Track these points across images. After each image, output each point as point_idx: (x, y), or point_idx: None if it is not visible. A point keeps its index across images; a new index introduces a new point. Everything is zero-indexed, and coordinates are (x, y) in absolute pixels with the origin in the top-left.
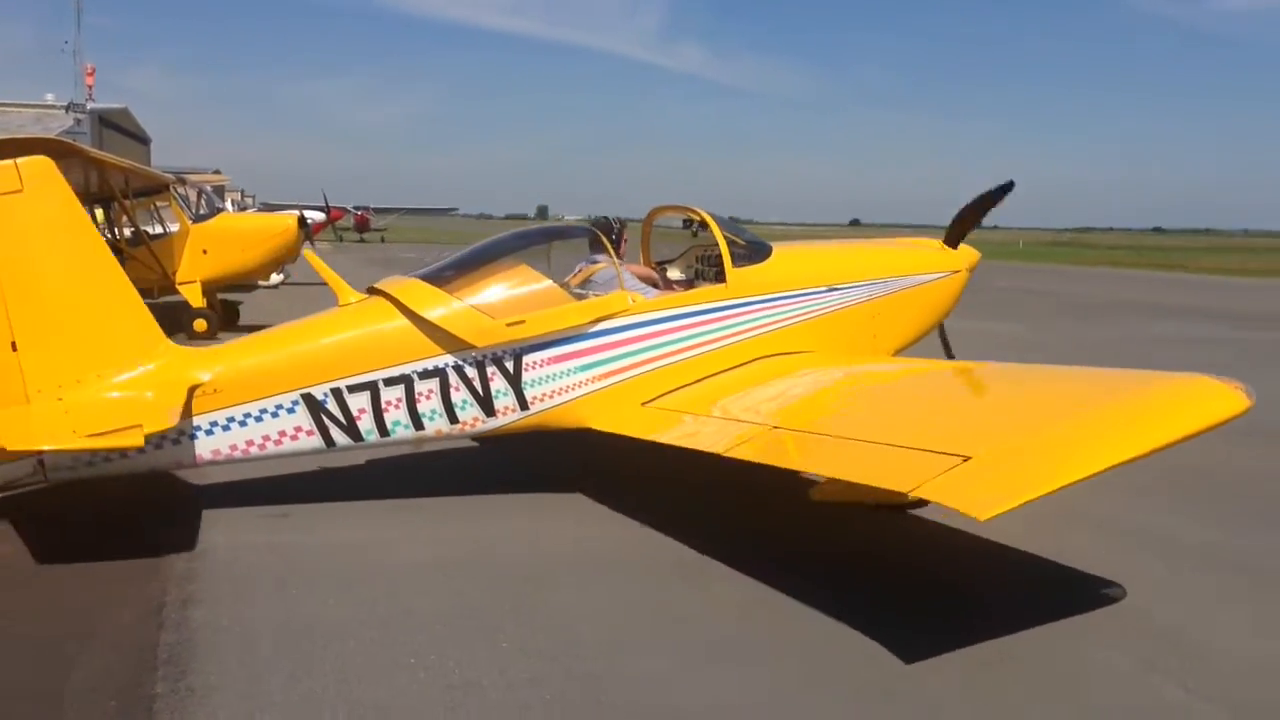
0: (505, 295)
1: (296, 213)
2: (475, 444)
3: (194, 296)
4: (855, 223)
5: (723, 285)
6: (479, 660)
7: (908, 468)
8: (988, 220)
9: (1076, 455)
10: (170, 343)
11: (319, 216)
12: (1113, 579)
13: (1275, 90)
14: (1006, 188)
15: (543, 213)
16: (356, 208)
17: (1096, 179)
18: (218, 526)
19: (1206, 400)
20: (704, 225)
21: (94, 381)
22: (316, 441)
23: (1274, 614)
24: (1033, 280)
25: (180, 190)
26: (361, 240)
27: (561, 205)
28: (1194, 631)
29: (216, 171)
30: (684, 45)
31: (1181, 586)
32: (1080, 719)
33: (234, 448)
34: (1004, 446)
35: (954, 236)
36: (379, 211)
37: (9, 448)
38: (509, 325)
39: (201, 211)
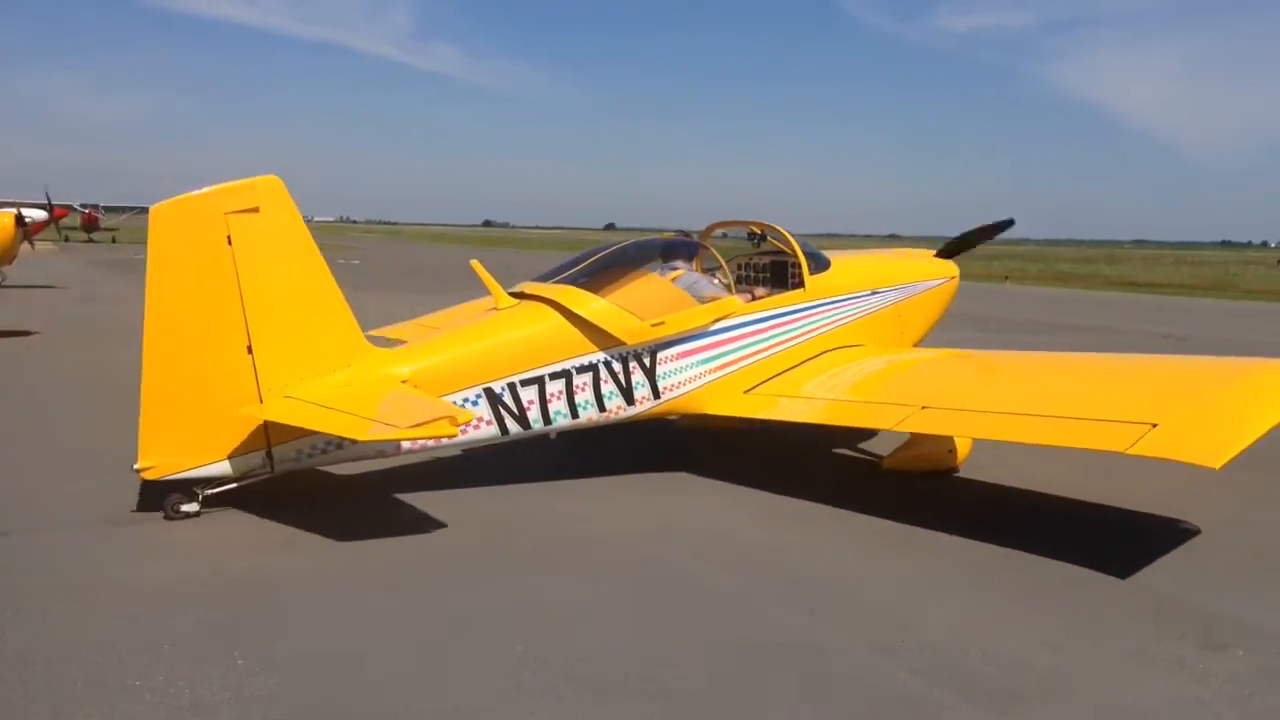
0: (647, 299)
1: (13, 211)
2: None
3: None
4: (610, 226)
5: (802, 290)
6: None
7: (1111, 435)
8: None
9: (1246, 419)
10: (368, 343)
11: (40, 215)
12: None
13: (989, 108)
14: (1006, 224)
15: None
16: (83, 205)
17: (836, 185)
18: None
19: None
20: (762, 237)
21: (313, 380)
22: (494, 430)
23: None
24: None
25: None
26: (90, 240)
27: (311, 208)
28: None
29: None
30: (437, 45)
31: None
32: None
33: (414, 441)
34: (1178, 417)
35: (949, 253)
36: (110, 210)
37: (360, 439)
38: (652, 325)
39: None
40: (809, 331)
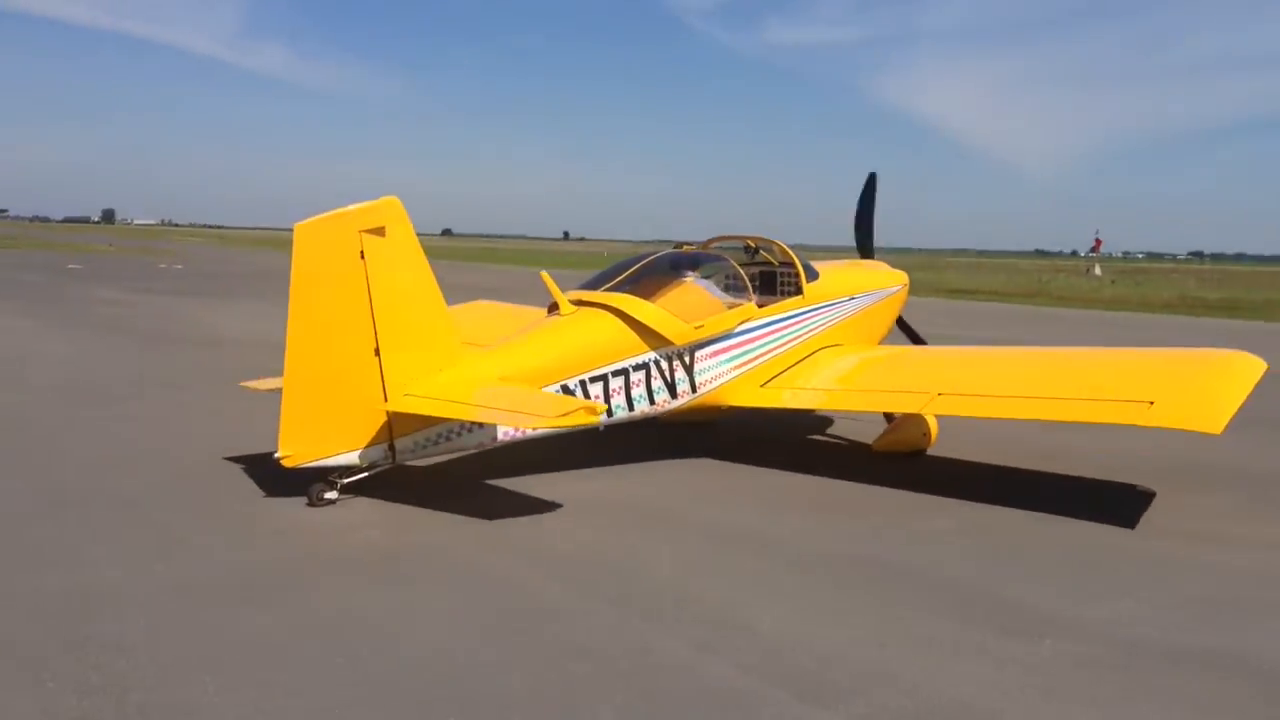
0: (690, 304)
1: None
2: None
3: None
4: (448, 233)
5: (801, 297)
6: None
7: (1120, 411)
8: (608, 233)
9: (1218, 396)
10: (462, 346)
11: None
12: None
13: (818, 119)
14: (870, 179)
15: (109, 216)
16: None
17: (673, 195)
18: None
19: (1251, 363)
20: (756, 250)
21: (427, 379)
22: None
23: None
24: None
25: None
26: None
27: (130, 208)
28: None
29: None
30: (265, 45)
31: None
32: None
33: (508, 431)
34: (1169, 394)
35: (864, 248)
36: None
37: (528, 429)
38: (695, 328)
39: None
40: (807, 332)
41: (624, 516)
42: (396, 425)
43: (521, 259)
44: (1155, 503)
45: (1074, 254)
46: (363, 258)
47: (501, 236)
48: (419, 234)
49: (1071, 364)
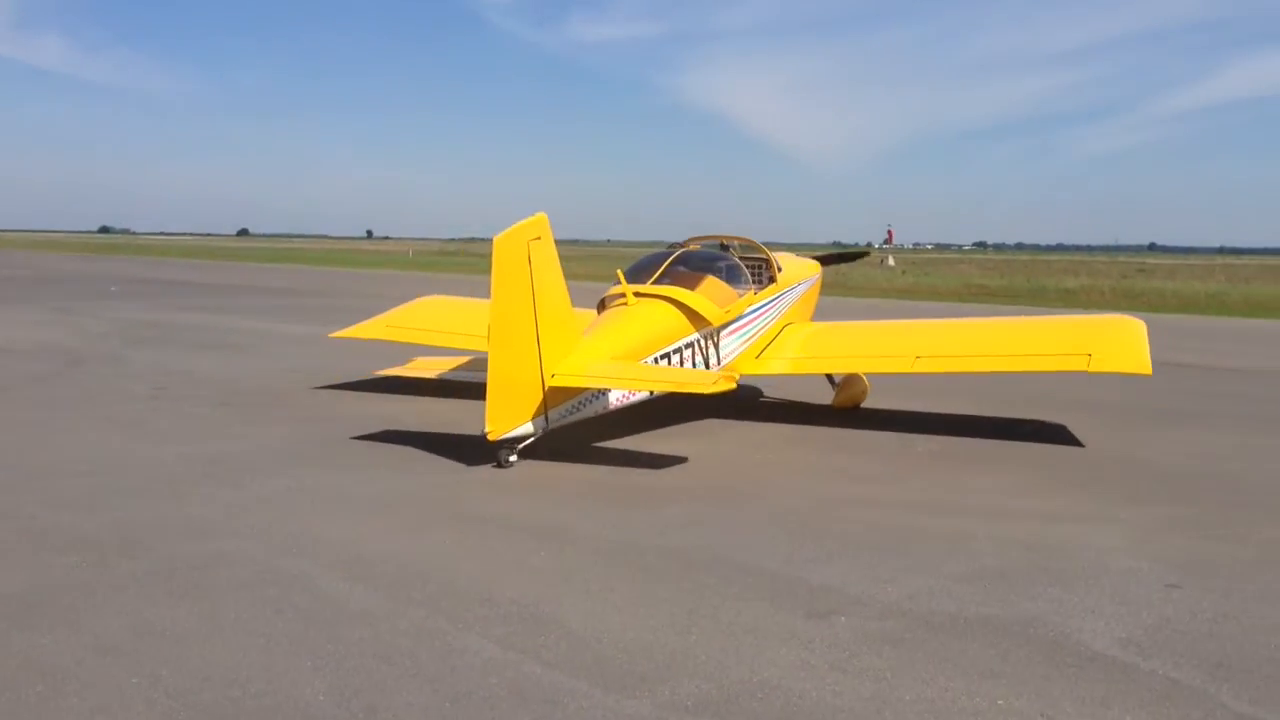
0: (720, 292)
1: None
2: None
3: None
4: (244, 232)
5: (775, 284)
6: None
7: (1070, 361)
8: (412, 232)
9: (1137, 347)
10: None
11: None
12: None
13: (622, 115)
14: (862, 254)
15: None
16: None
17: (478, 192)
18: None
19: (1138, 323)
20: (727, 247)
21: (564, 360)
22: (646, 393)
23: None
24: (433, 288)
25: None
26: None
27: None
28: None
29: None
30: (42, 36)
31: None
32: None
33: (619, 399)
34: (1100, 347)
35: (829, 260)
36: None
37: (705, 392)
38: (725, 312)
39: None
40: (779, 314)
41: (429, 516)
42: (550, 399)
43: (329, 260)
44: (949, 481)
45: (869, 245)
46: (529, 263)
47: (302, 236)
48: (211, 234)
49: (1010, 329)
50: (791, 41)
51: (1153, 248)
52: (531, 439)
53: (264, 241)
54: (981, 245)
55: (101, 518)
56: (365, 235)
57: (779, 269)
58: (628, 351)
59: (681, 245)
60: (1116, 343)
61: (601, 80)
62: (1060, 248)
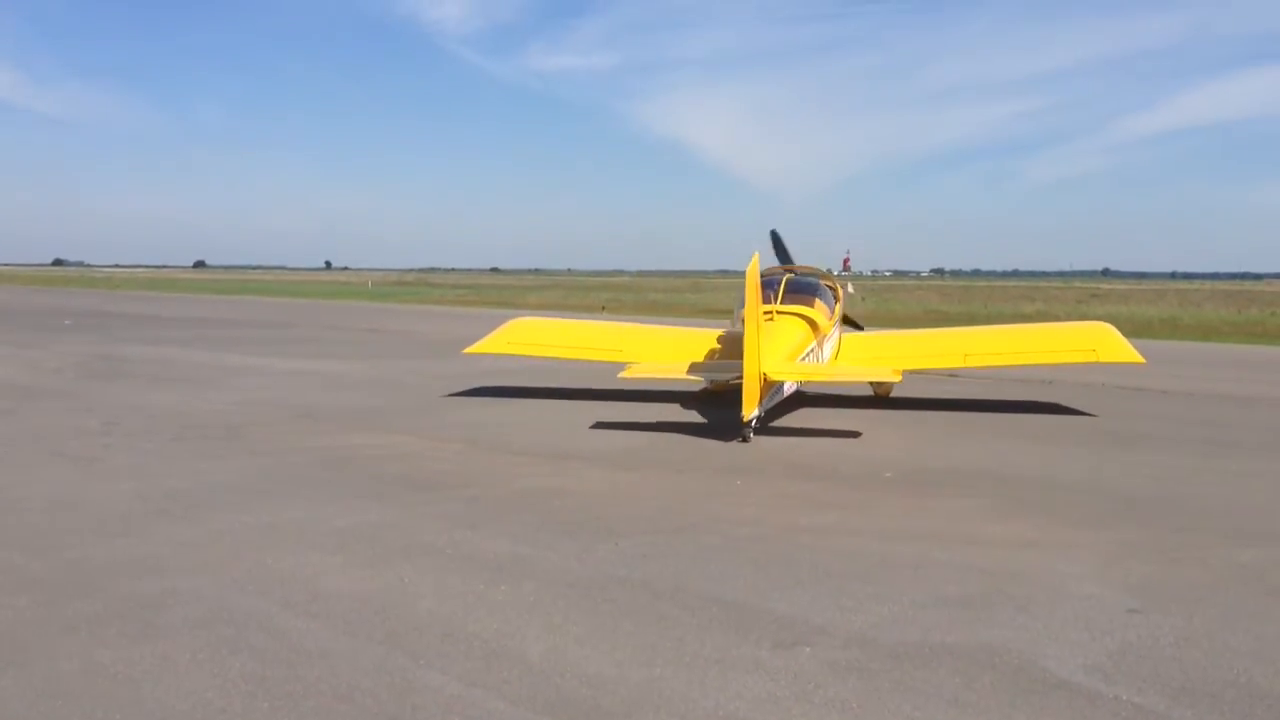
0: (824, 309)
1: None
2: None
3: None
4: (200, 264)
5: (839, 303)
6: None
7: (1084, 355)
8: (371, 262)
9: (1124, 344)
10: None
11: None
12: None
13: (582, 144)
14: (774, 235)
15: None
16: None
17: (439, 223)
18: None
19: (1113, 328)
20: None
21: (770, 362)
22: (795, 388)
23: None
24: (391, 320)
25: None
26: None
27: None
28: None
29: None
30: None
31: None
32: None
33: (789, 388)
34: (1100, 345)
35: (785, 258)
36: None
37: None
38: (829, 323)
39: None
40: (838, 327)
41: (387, 550)
42: (764, 390)
43: (287, 291)
44: (912, 507)
45: (828, 270)
46: (758, 289)
47: (260, 268)
48: (167, 266)
49: (1027, 333)
50: (750, 70)
51: (1106, 273)
52: (758, 420)
53: (221, 273)
54: (939, 271)
55: (52, 558)
56: (324, 266)
57: (841, 292)
58: (787, 355)
59: (782, 271)
60: (1110, 341)
61: (560, 110)
62: (1015, 274)
